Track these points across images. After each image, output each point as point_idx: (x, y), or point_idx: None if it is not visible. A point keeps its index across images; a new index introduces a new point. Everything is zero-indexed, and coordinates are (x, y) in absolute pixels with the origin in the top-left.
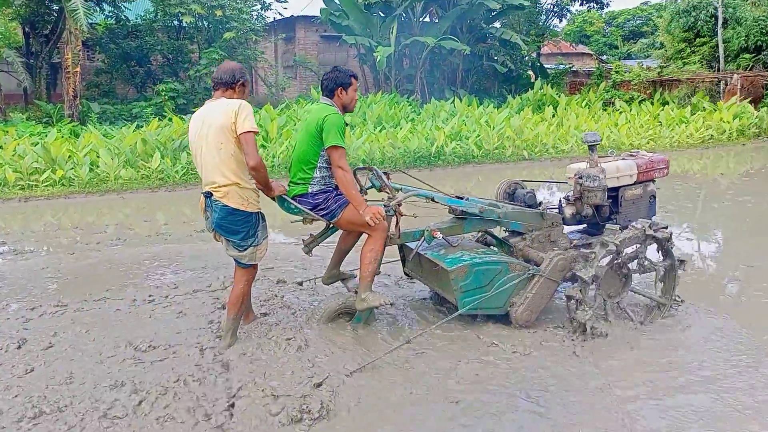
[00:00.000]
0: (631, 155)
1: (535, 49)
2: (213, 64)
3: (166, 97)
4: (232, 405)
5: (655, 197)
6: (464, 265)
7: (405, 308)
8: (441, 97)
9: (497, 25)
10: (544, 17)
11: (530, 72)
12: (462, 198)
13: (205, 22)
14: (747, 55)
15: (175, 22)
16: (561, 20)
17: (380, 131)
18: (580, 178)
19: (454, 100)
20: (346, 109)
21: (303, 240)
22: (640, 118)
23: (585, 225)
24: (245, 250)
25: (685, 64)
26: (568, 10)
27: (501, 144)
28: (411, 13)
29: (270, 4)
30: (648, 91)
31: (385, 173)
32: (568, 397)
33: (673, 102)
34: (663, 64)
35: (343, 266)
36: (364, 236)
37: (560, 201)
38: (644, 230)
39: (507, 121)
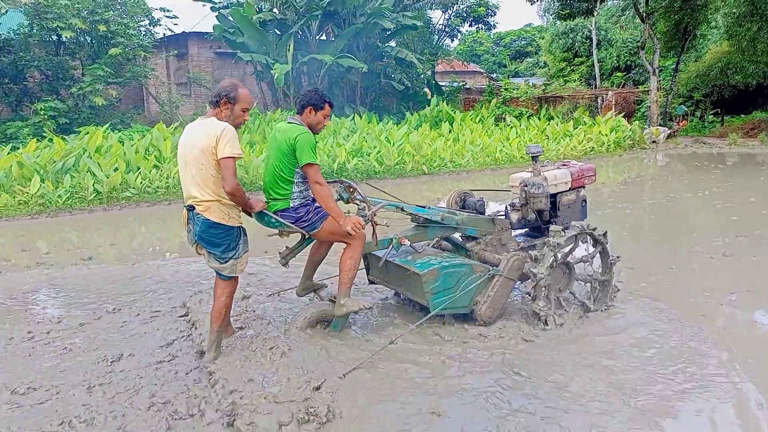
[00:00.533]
0: (564, 164)
1: (430, 67)
2: (98, 81)
3: (46, 117)
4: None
5: (585, 201)
6: (434, 268)
7: (377, 312)
8: (341, 114)
9: (393, 44)
10: (437, 37)
11: (426, 89)
12: (424, 207)
13: (87, 38)
14: (619, 74)
15: (54, 37)
16: (452, 40)
17: None
18: (526, 186)
19: (354, 117)
20: (311, 129)
21: (279, 252)
22: (529, 132)
23: (526, 229)
24: (226, 262)
25: (567, 82)
26: (459, 31)
27: (401, 159)
28: (307, 31)
29: (159, 20)
30: (535, 107)
31: (351, 186)
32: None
33: (558, 117)
34: (547, 82)
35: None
36: (336, 246)
37: (506, 207)
38: (584, 230)
39: (406, 137)
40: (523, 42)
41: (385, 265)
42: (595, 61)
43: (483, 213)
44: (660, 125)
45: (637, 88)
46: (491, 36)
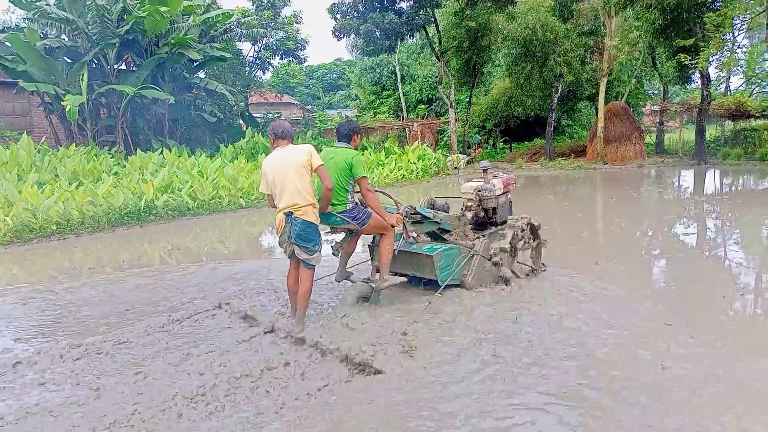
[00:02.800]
0: (495, 176)
1: (243, 99)
2: None
3: None
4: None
5: (511, 202)
6: (439, 251)
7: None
8: (148, 148)
9: (202, 75)
10: (249, 69)
11: (241, 121)
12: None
13: None
14: (422, 106)
15: None
16: (264, 72)
17: (77, 187)
18: (480, 191)
19: (162, 151)
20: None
21: (332, 246)
22: None
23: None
24: (314, 254)
25: (377, 114)
26: (270, 63)
27: (217, 194)
28: (104, 59)
29: None
30: None
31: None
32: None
33: (371, 147)
34: (359, 114)
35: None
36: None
37: (462, 209)
38: (528, 220)
39: (221, 170)
40: (334, 75)
41: (394, 253)
42: (400, 95)
43: (448, 213)
44: (460, 153)
45: (439, 119)
46: (303, 69)
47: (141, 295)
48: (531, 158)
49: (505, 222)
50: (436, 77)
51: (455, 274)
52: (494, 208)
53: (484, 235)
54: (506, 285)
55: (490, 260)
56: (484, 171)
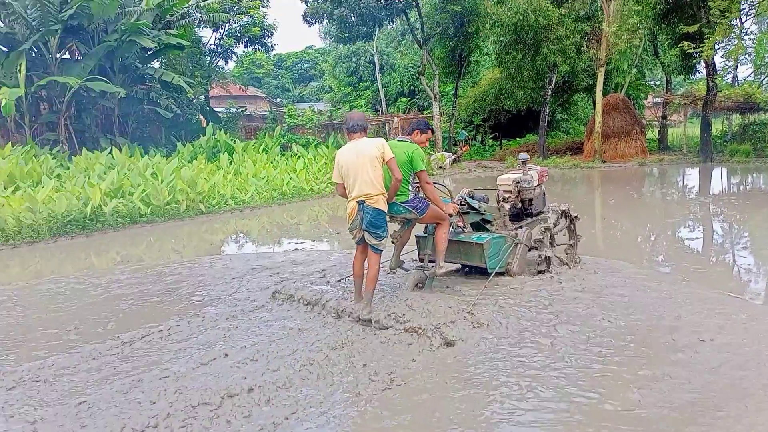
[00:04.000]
0: (530, 168)
1: (203, 92)
2: None
3: None
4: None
5: (545, 194)
6: (489, 239)
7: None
8: (95, 148)
9: (156, 65)
10: (209, 58)
11: (200, 117)
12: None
13: None
14: (404, 99)
15: None
16: (227, 62)
17: (13, 192)
18: (518, 183)
19: (111, 150)
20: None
21: (391, 235)
22: (318, 162)
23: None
24: (382, 239)
25: (353, 107)
26: (233, 52)
27: (173, 198)
28: (44, 48)
29: None
30: (322, 135)
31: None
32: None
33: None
34: (333, 108)
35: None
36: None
37: (500, 200)
38: (567, 209)
39: (177, 171)
40: (305, 65)
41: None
42: (379, 86)
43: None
44: (445, 150)
45: (422, 113)
46: (271, 58)
47: (89, 314)
48: None
49: (540, 213)
50: (419, 67)
51: (502, 262)
52: (531, 200)
53: (521, 226)
54: (547, 267)
55: (531, 249)
56: (523, 163)
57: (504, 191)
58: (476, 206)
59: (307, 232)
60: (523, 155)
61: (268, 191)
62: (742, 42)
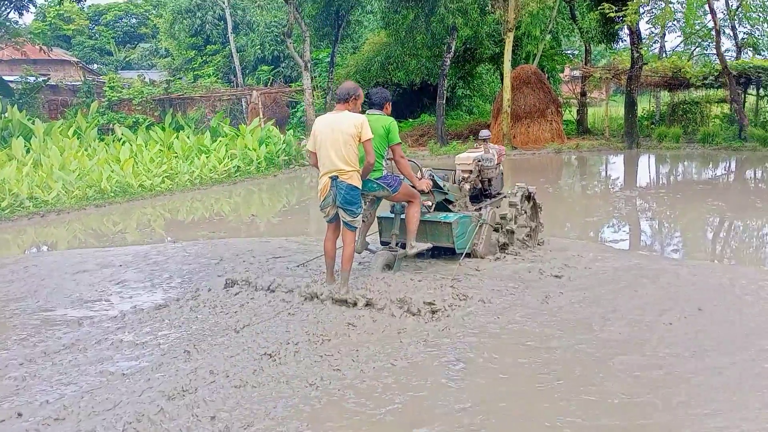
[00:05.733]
0: (492, 147)
1: None
2: None
3: None
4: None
5: (503, 174)
6: (456, 219)
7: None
8: None
9: None
10: None
11: None
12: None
13: None
14: (266, 67)
15: None
16: (21, 14)
17: None
18: (479, 161)
19: None
20: None
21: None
22: (150, 150)
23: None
24: (357, 216)
25: (198, 78)
26: (31, 2)
27: None
28: None
29: None
30: (156, 113)
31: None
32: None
33: (190, 126)
34: (171, 77)
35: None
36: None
37: (459, 180)
38: (526, 189)
39: None
40: (133, 20)
41: (403, 223)
42: (233, 51)
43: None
44: None
45: (289, 86)
46: (85, 9)
47: None
48: (417, 141)
49: (499, 194)
50: (284, 27)
51: (468, 242)
52: (490, 180)
53: (481, 207)
54: (505, 250)
55: (497, 230)
56: (484, 141)
57: (463, 171)
58: (441, 185)
59: (139, 244)
60: (485, 132)
61: (81, 189)
62: (670, 6)
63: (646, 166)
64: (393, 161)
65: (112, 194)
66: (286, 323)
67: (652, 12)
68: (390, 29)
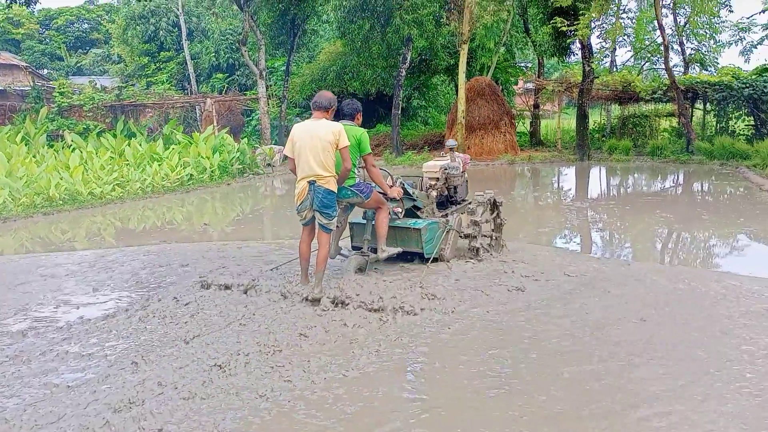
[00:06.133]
0: (458, 155)
1: None
2: None
3: None
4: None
5: (467, 181)
6: (425, 225)
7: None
8: None
9: None
10: None
11: None
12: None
13: None
14: (220, 75)
15: None
16: None
17: None
18: (446, 169)
19: None
20: None
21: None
22: (101, 157)
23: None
24: (332, 219)
25: (152, 84)
26: None
27: None
28: None
29: None
30: (108, 120)
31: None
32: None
33: (142, 134)
34: (123, 84)
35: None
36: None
37: (427, 188)
38: (492, 197)
39: None
40: (85, 25)
41: (374, 229)
42: (187, 58)
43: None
44: (275, 143)
45: (244, 94)
46: (35, 14)
47: None
48: (373, 151)
49: (464, 200)
50: (239, 35)
51: (435, 248)
52: (456, 187)
53: (447, 214)
54: (477, 255)
55: (462, 236)
56: (451, 149)
57: (430, 178)
58: (411, 193)
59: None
60: (451, 141)
61: (28, 196)
62: (621, 21)
63: (597, 178)
64: (365, 170)
65: (61, 202)
66: (237, 334)
67: (603, 27)
68: (346, 39)
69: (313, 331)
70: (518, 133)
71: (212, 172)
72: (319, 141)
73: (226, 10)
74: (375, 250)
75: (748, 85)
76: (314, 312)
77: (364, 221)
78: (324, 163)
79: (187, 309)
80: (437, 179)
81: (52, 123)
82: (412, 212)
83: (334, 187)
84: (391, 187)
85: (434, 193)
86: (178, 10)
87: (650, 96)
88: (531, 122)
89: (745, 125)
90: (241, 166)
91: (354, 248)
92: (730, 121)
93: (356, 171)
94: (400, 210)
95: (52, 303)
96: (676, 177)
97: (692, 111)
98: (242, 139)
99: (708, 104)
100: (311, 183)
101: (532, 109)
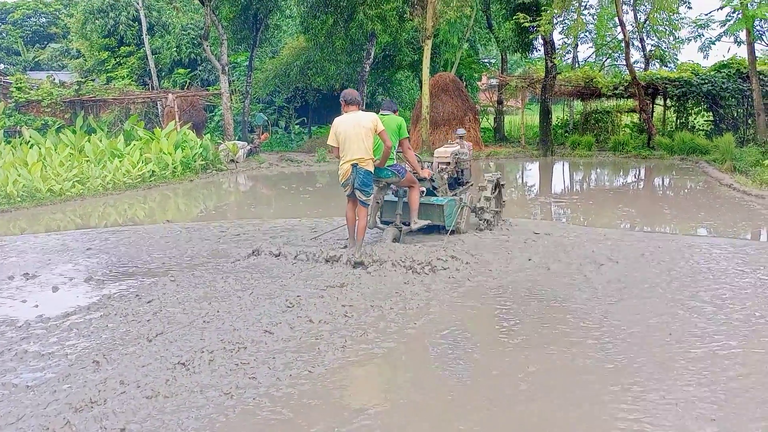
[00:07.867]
0: (465, 143)
1: None
2: None
3: None
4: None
5: (471, 166)
6: (447, 202)
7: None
8: None
9: None
10: None
11: None
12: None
13: None
14: (182, 70)
15: None
16: None
17: None
18: (456, 155)
19: None
20: None
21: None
22: (60, 153)
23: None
24: (369, 196)
25: (112, 80)
26: None
27: None
28: None
29: None
30: (67, 115)
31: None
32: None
33: (102, 129)
34: (83, 79)
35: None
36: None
37: (439, 171)
38: (496, 177)
39: None
40: (42, 19)
41: (405, 205)
42: (148, 53)
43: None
44: (238, 139)
45: (207, 90)
46: None
47: None
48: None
49: (468, 182)
50: (201, 30)
51: (454, 221)
52: (463, 170)
53: (456, 193)
54: (489, 227)
55: (474, 211)
56: (460, 137)
57: (441, 163)
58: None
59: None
60: (461, 130)
61: None
62: (582, 17)
63: (561, 173)
64: (402, 153)
65: (19, 199)
66: (201, 331)
67: (565, 23)
68: (309, 34)
69: (278, 328)
70: (482, 128)
71: (175, 168)
72: (362, 128)
73: (188, 4)
74: (406, 224)
75: (706, 81)
76: (278, 308)
77: (395, 199)
78: (366, 148)
79: (150, 306)
80: (448, 163)
81: (9, 119)
82: (430, 192)
83: (371, 169)
84: (423, 170)
85: (445, 176)
86: (138, 4)
87: (612, 92)
88: (495, 118)
89: (705, 121)
90: (204, 162)
91: (384, 222)
92: (690, 117)
93: (394, 153)
94: (423, 189)
95: (9, 301)
96: (637, 172)
97: (653, 107)
98: (205, 134)
99: (668, 100)
100: (354, 165)
101: (496, 105)
